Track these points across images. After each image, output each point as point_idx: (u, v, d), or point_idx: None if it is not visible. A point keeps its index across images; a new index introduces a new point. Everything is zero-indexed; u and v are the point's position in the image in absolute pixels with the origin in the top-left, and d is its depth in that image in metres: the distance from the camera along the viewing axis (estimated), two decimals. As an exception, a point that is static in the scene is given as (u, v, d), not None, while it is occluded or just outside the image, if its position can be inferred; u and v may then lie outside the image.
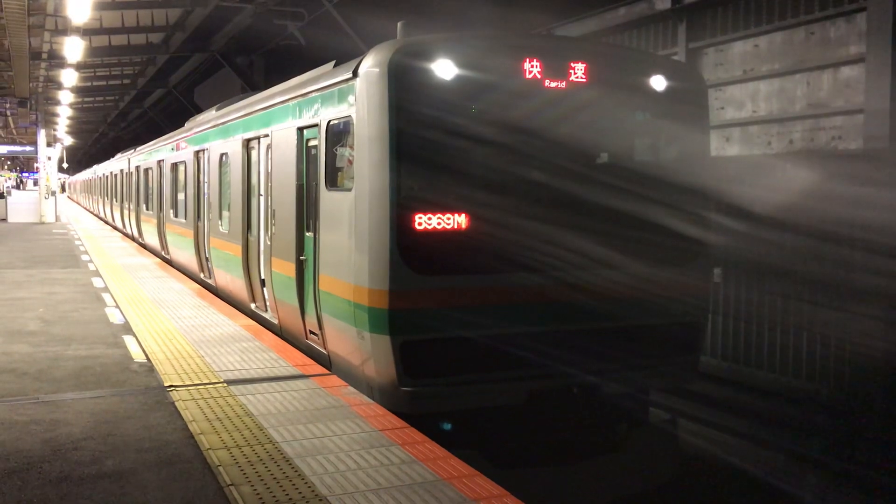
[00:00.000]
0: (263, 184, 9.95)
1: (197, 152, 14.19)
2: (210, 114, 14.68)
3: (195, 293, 12.90)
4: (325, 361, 7.86)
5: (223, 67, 28.54)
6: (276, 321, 9.49)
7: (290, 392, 6.94)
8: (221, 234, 12.08)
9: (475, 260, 6.71)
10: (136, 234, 23.83)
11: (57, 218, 37.38)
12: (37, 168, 40.87)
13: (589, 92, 7.13)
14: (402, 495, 4.72)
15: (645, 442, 7.45)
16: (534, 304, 6.83)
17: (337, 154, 7.53)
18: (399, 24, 7.55)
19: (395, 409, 6.49)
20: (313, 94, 8.06)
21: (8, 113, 38.93)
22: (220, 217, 12.29)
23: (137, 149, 25.14)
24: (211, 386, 7.13)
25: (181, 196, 15.89)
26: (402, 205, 6.47)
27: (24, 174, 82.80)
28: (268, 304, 9.87)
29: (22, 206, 36.52)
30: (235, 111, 11.69)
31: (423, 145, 6.60)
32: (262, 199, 10.03)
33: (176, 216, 16.41)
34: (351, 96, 6.99)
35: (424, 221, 6.50)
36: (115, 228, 30.36)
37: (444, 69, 6.57)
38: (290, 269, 8.55)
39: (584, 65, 7.07)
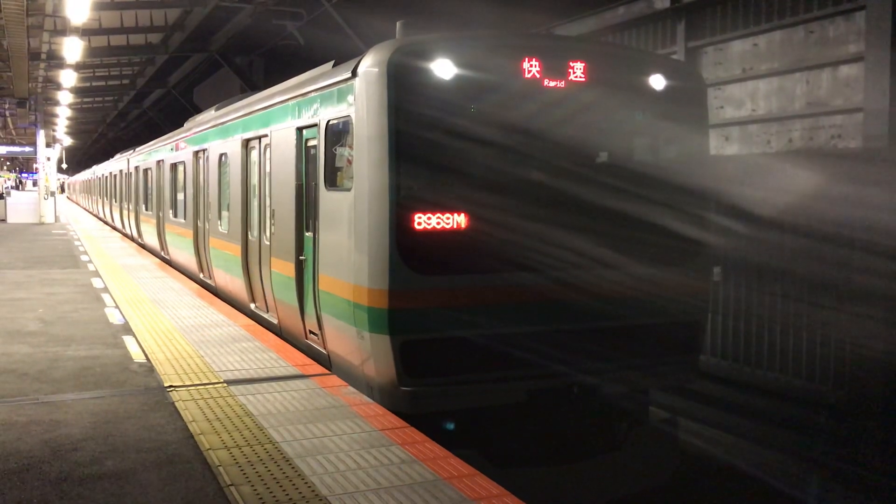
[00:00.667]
0: (263, 184, 9.95)
1: (196, 152, 14.19)
2: (209, 114, 14.68)
3: (195, 293, 12.90)
4: (325, 361, 7.86)
5: (222, 67, 28.54)
6: (275, 321, 9.49)
7: (290, 392, 6.94)
8: (221, 235, 12.08)
9: (475, 259, 6.71)
10: (135, 234, 23.83)
11: (56, 218, 37.37)
12: (36, 169, 40.87)
13: (588, 91, 7.13)
14: (403, 495, 4.72)
15: (645, 441, 7.45)
16: (533, 304, 6.83)
17: (336, 154, 7.53)
18: (398, 24, 7.55)
19: (395, 408, 6.49)
20: (312, 94, 8.05)
21: (7, 113, 38.95)
22: (220, 217, 12.29)
23: (137, 149, 25.14)
24: (211, 386, 7.13)
25: (180, 196, 15.89)
26: (401, 204, 6.47)
27: (23, 175, 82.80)
28: (267, 304, 9.86)
29: (21, 207, 36.49)
30: (235, 111, 11.69)
31: (423, 145, 6.60)
32: (261, 199, 10.03)
33: (175, 216, 16.41)
34: (350, 96, 6.99)
35: (424, 221, 6.50)
36: (115, 229, 30.35)
37: (444, 69, 6.57)
38: (289, 269, 8.55)
39: (584, 64, 7.07)
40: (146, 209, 20.93)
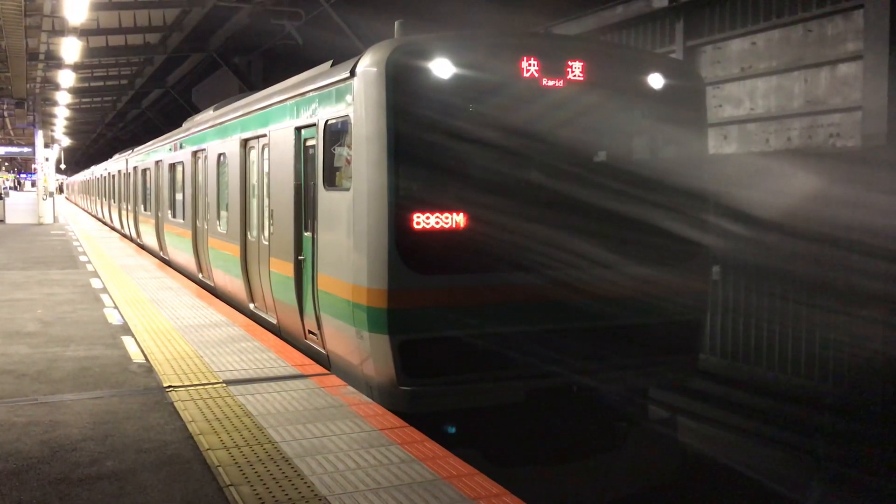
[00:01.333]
0: (261, 184, 9.95)
1: (195, 152, 14.18)
2: (208, 114, 14.68)
3: (194, 293, 12.90)
4: (324, 361, 7.86)
5: (221, 67, 28.53)
6: (274, 321, 9.48)
7: (289, 392, 6.94)
8: (220, 235, 12.07)
9: (474, 259, 6.70)
10: (134, 234, 23.82)
11: (55, 219, 37.34)
12: (34, 169, 40.84)
13: (586, 90, 7.13)
14: (402, 494, 4.71)
15: (644, 440, 7.45)
16: (533, 304, 6.83)
17: (335, 154, 7.53)
18: (396, 24, 7.55)
19: (395, 408, 6.49)
20: (311, 94, 8.05)
21: (5, 114, 38.94)
22: (219, 217, 12.29)
23: (135, 149, 25.13)
24: (210, 386, 7.12)
25: (179, 196, 15.88)
26: (400, 204, 6.47)
27: (21, 175, 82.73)
28: (266, 304, 9.86)
29: (20, 207, 36.46)
30: (233, 111, 11.69)
31: (421, 144, 6.60)
32: (260, 199, 10.02)
33: (174, 217, 16.40)
34: (348, 96, 6.99)
35: (423, 221, 6.50)
36: (114, 229, 30.34)
37: (442, 68, 6.57)
38: (288, 269, 8.55)
39: (582, 63, 7.07)
40: (145, 209, 20.92)
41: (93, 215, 43.47)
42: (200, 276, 13.94)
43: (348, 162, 7.05)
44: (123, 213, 26.31)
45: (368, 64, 6.67)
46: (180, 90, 35.38)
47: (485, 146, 6.87)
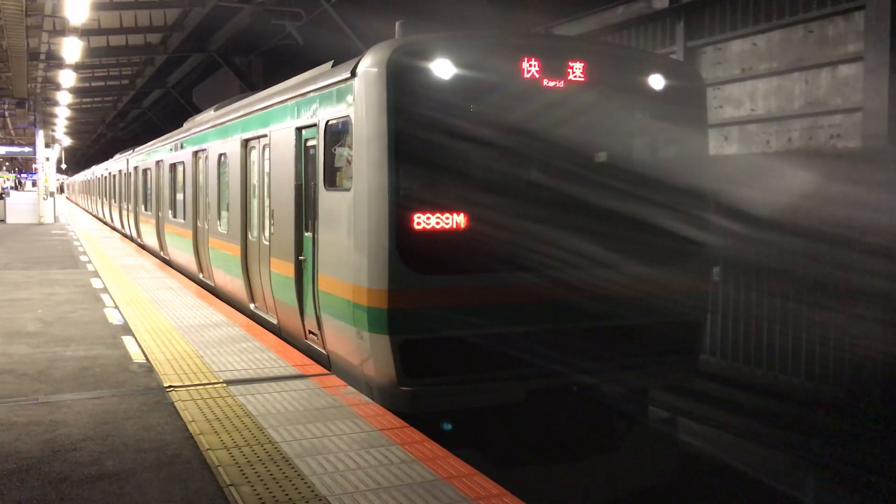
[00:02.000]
0: (262, 184, 9.95)
1: (195, 153, 14.19)
2: (209, 114, 14.68)
3: (194, 293, 12.90)
4: (325, 361, 7.86)
5: (221, 67, 28.53)
6: (275, 321, 9.49)
7: (289, 392, 6.94)
8: (220, 235, 12.08)
9: (474, 259, 6.71)
10: (134, 234, 23.83)
11: (56, 219, 37.36)
12: (35, 169, 40.86)
13: (587, 91, 7.13)
14: (402, 495, 4.72)
15: (644, 441, 7.45)
16: (533, 304, 6.83)
17: (336, 154, 7.53)
18: (397, 24, 7.55)
19: (395, 408, 6.49)
20: (312, 94, 8.05)
21: (6, 114, 38.95)
22: (219, 217, 12.29)
23: (136, 149, 25.13)
24: (210, 386, 7.13)
25: (180, 196, 15.88)
26: (400, 204, 6.47)
27: (22, 175, 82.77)
28: (267, 304, 9.86)
29: (21, 207, 36.48)
30: (234, 111, 11.69)
31: (422, 145, 6.60)
32: (260, 199, 10.03)
33: (174, 217, 16.41)
34: (349, 96, 6.99)
35: (423, 221, 6.50)
36: (114, 229, 30.34)
37: (443, 69, 6.57)
38: (289, 269, 8.55)
39: (583, 64, 7.07)
40: (145, 209, 20.93)
41: (93, 215, 43.48)
42: (201, 276, 13.94)
43: (349, 162, 7.06)
44: (124, 212, 26.32)
45: (369, 64, 6.68)
46: (181, 90, 35.39)
47: (485, 147, 6.87)
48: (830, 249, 9.77)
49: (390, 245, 6.43)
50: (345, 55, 8.07)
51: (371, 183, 6.56)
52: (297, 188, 8.41)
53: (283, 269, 8.77)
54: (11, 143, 53.13)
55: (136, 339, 9.16)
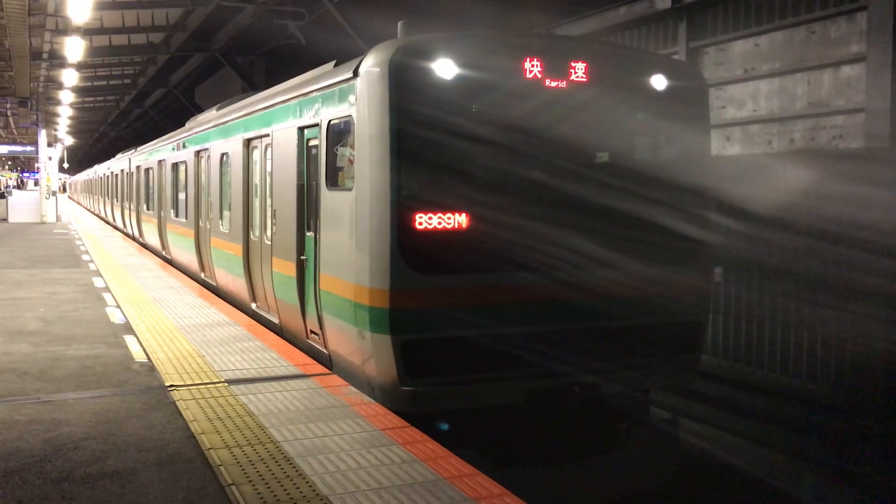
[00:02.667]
0: (264, 183, 9.96)
1: (198, 152, 14.20)
2: (211, 114, 14.69)
3: (196, 293, 12.91)
4: (326, 361, 7.86)
5: (224, 67, 28.56)
6: (276, 321, 9.49)
7: (290, 392, 6.95)
8: (222, 234, 12.09)
9: (476, 259, 6.71)
10: (136, 233, 23.85)
11: (58, 218, 37.40)
12: (37, 168, 40.90)
13: (589, 91, 7.13)
14: (403, 494, 4.72)
15: (645, 441, 7.45)
16: (534, 304, 6.83)
17: (338, 154, 7.54)
18: (399, 24, 7.55)
19: (396, 408, 6.49)
20: (314, 94, 8.06)
21: (9, 113, 38.95)
22: (221, 217, 12.30)
23: (138, 149, 25.16)
24: (212, 385, 7.13)
25: (182, 196, 15.90)
26: (402, 204, 6.47)
27: (24, 174, 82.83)
28: (268, 303, 9.87)
29: (23, 206, 36.54)
30: (236, 111, 11.70)
31: (424, 145, 6.60)
32: (262, 198, 10.03)
33: (177, 216, 16.42)
34: (351, 96, 6.99)
35: (425, 221, 6.50)
36: (116, 228, 30.37)
37: (445, 69, 6.57)
38: (290, 269, 8.56)
39: (585, 64, 7.07)
40: (147, 209, 20.95)
41: (95, 214, 43.52)
42: (203, 275, 13.95)
43: (351, 162, 7.06)
44: (126, 212, 26.34)
45: (371, 64, 6.68)
46: (183, 90, 35.41)
47: (487, 147, 6.87)
48: (833, 248, 9.76)
49: (392, 245, 6.43)
50: (347, 55, 8.07)
51: (373, 183, 6.56)
52: (299, 188, 8.41)
53: (285, 268, 8.78)
54: (14, 143, 53.11)
55: (137, 338, 9.17)
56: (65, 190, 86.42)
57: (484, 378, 6.71)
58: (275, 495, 4.68)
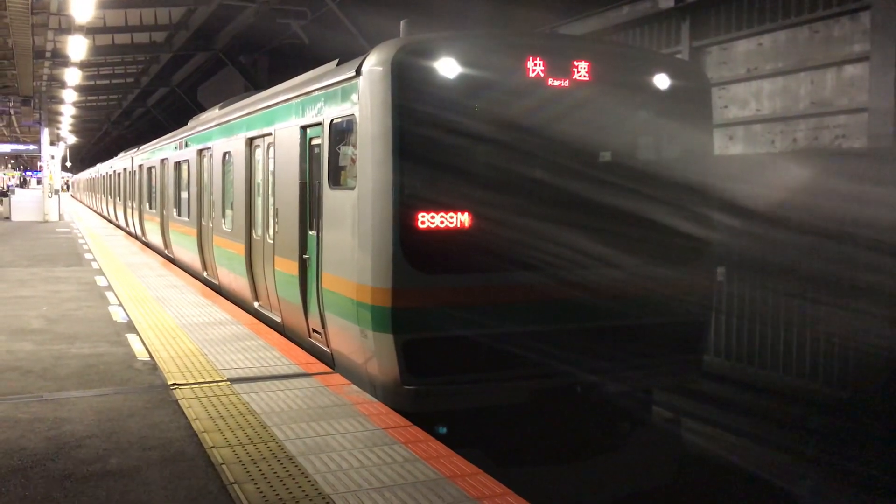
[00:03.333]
0: (267, 182, 9.96)
1: (200, 151, 14.21)
2: (213, 112, 14.70)
3: (198, 291, 12.92)
4: (329, 360, 7.87)
5: (226, 66, 28.56)
6: (279, 320, 9.50)
7: (293, 390, 6.95)
8: (225, 233, 12.09)
9: (478, 259, 6.70)
10: (139, 232, 23.87)
11: (60, 216, 37.45)
12: (40, 167, 40.95)
13: (592, 90, 7.12)
14: (406, 493, 4.72)
15: (648, 441, 7.45)
16: (537, 303, 6.82)
17: (340, 153, 7.53)
18: (402, 23, 7.55)
19: (398, 407, 6.49)
20: (316, 93, 8.06)
21: (11, 111, 39.01)
22: (224, 215, 12.31)
23: (141, 147, 25.18)
24: (214, 384, 7.14)
25: (184, 195, 15.91)
26: (405, 203, 6.47)
27: (27, 173, 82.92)
28: (271, 302, 9.88)
29: (26, 205, 36.60)
30: (239, 110, 11.70)
31: (427, 144, 6.60)
32: (265, 197, 10.04)
33: (179, 215, 16.43)
34: (354, 95, 6.99)
35: (427, 220, 6.50)
36: (119, 227, 30.40)
37: (448, 68, 6.57)
38: (293, 268, 8.56)
39: (588, 63, 7.06)
40: (150, 207, 20.97)
41: (98, 213, 43.57)
42: (205, 274, 13.96)
43: (353, 161, 7.06)
44: (129, 211, 26.37)
45: (374, 63, 6.67)
46: (186, 89, 35.42)
47: (490, 146, 6.87)
48: (837, 247, 9.75)
49: (394, 244, 6.43)
50: (350, 54, 8.07)
51: (375, 182, 6.56)
52: (302, 187, 8.42)
53: (288, 267, 8.78)
54: (17, 141, 53.21)
55: (140, 336, 9.17)
56: (68, 188, 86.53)
57: (486, 377, 6.71)
58: (277, 494, 4.68)
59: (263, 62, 29.03)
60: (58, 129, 49.81)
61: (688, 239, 7.47)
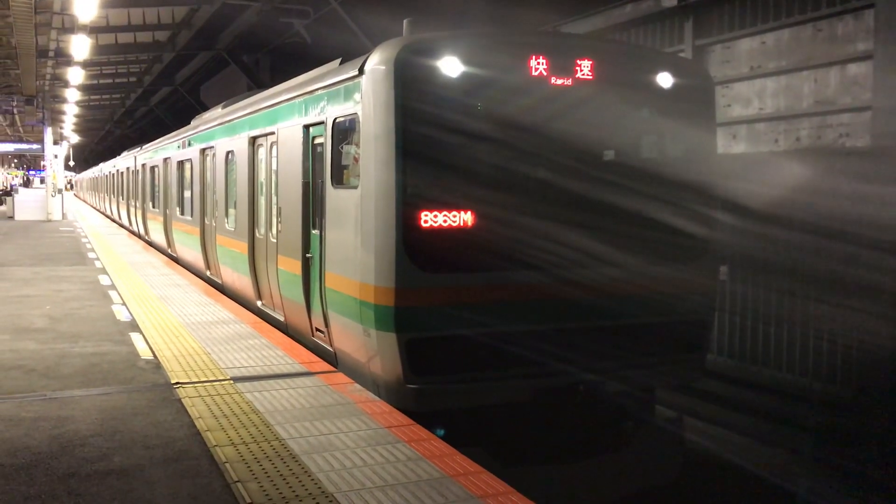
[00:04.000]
0: (270, 181, 9.97)
1: (203, 150, 14.22)
2: (216, 112, 14.71)
3: (201, 290, 12.93)
4: (332, 359, 7.87)
5: (229, 65, 28.60)
6: (282, 319, 9.50)
7: (296, 389, 6.96)
8: (228, 232, 12.11)
9: (481, 258, 6.70)
10: (142, 231, 23.90)
11: (64, 215, 37.53)
12: (43, 166, 41.01)
13: (595, 89, 7.11)
14: (409, 492, 4.72)
15: (650, 440, 7.44)
16: (540, 302, 6.82)
17: (343, 152, 7.53)
18: (405, 22, 7.54)
19: (401, 406, 6.49)
20: (319, 92, 8.06)
21: (15, 111, 39.06)
22: (227, 215, 12.32)
23: (144, 147, 25.20)
24: (217, 383, 7.15)
25: (187, 194, 15.93)
26: (407, 202, 6.47)
27: (30, 172, 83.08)
28: (274, 301, 9.88)
29: (29, 204, 36.64)
30: (241, 109, 11.71)
31: (429, 143, 6.59)
32: (268, 196, 10.04)
33: (182, 214, 16.45)
34: (357, 94, 6.99)
35: (430, 219, 6.50)
36: (122, 226, 30.45)
37: (450, 67, 6.56)
38: (296, 267, 8.56)
39: (591, 62, 7.05)
40: (153, 206, 20.99)
41: (101, 212, 43.63)
42: (208, 273, 13.97)
43: (356, 160, 7.06)
44: (132, 210, 26.40)
45: (377, 62, 6.67)
46: (189, 88, 35.47)
47: (493, 145, 6.87)
48: (840, 246, 9.74)
49: (397, 243, 6.43)
50: (352, 53, 8.07)
51: (378, 181, 6.56)
52: (305, 186, 8.42)
53: (291, 266, 8.78)
54: (20, 140, 53.28)
55: (143, 335, 9.19)
56: (71, 188, 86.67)
57: (489, 376, 6.71)
58: (280, 493, 4.69)
59: (266, 61, 29.06)
60: (61, 128, 49.88)
61: (691, 238, 7.46)
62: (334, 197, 7.55)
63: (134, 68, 32.77)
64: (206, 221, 13.87)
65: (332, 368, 7.73)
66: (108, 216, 38.49)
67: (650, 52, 10.63)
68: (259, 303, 10.55)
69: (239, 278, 11.50)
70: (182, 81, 34.05)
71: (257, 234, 10.53)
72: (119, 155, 35.23)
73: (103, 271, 15.62)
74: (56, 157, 38.03)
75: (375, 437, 5.71)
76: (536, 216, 6.83)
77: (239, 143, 11.37)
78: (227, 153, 12.21)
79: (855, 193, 9.35)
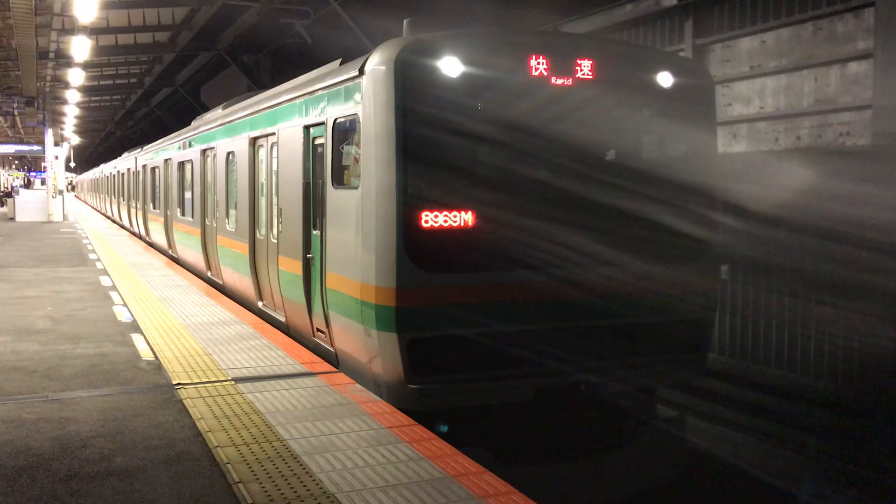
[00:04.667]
0: (270, 182, 9.97)
1: (204, 151, 14.22)
2: (216, 112, 14.71)
3: (202, 291, 12.94)
4: (333, 359, 7.88)
5: (229, 66, 28.59)
6: (283, 319, 9.51)
7: (297, 390, 6.96)
8: (228, 233, 12.11)
9: (482, 257, 6.70)
10: (143, 232, 23.91)
11: (65, 217, 37.54)
12: (44, 167, 41.04)
13: (595, 89, 7.11)
14: (410, 492, 4.72)
15: (652, 439, 7.44)
16: (541, 302, 6.82)
17: (343, 152, 7.54)
18: (405, 22, 7.55)
19: (403, 406, 6.49)
20: (319, 93, 8.06)
21: (15, 112, 39.06)
22: (227, 215, 12.32)
23: (144, 148, 25.21)
24: (219, 384, 7.15)
25: (188, 194, 15.93)
26: (408, 203, 6.47)
27: (31, 173, 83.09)
28: (275, 302, 9.89)
29: (30, 205, 36.67)
30: (242, 110, 11.71)
31: (430, 143, 6.59)
32: (268, 197, 10.05)
33: (183, 215, 16.46)
34: (357, 94, 6.99)
35: (431, 219, 6.50)
36: (123, 227, 30.46)
37: (451, 67, 6.56)
38: (297, 267, 8.57)
39: (591, 62, 7.05)
40: (154, 207, 21.00)
41: (102, 213, 43.65)
42: (209, 274, 13.98)
43: (357, 160, 7.06)
44: (133, 211, 26.41)
45: (377, 62, 6.68)
46: (189, 89, 35.48)
47: (493, 145, 6.87)
48: (840, 247, 9.73)
49: (398, 243, 6.43)
50: (353, 53, 8.07)
51: (379, 181, 6.56)
52: (305, 186, 8.42)
53: (291, 266, 8.79)
54: (21, 142, 53.24)
55: (144, 336, 9.19)
56: (72, 189, 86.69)
57: (490, 376, 6.71)
58: (282, 493, 4.69)
59: (266, 62, 29.05)
60: (61, 129, 49.90)
61: (691, 237, 7.46)
62: (335, 197, 7.56)
63: (134, 69, 32.79)
64: (207, 222, 13.88)
65: (333, 369, 7.73)
66: (109, 217, 38.50)
67: (650, 52, 10.62)
68: (260, 303, 10.56)
69: (240, 279, 11.50)
70: (182, 82, 34.07)
71: (258, 235, 10.53)
72: (120, 156, 35.24)
73: (104, 272, 15.62)
74: (57, 158, 38.06)
75: (377, 437, 5.72)
76: (537, 216, 6.82)
77: (239, 144, 11.38)
78: (228, 154, 12.21)
79: (855, 194, 9.35)
